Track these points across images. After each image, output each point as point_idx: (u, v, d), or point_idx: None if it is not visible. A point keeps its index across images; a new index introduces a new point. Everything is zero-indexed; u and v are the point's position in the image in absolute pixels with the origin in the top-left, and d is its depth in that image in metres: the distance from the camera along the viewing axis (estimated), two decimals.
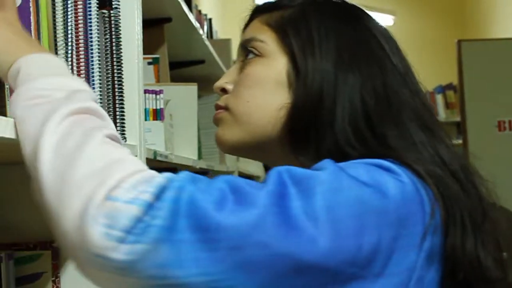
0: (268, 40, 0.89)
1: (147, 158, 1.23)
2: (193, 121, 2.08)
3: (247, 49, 0.91)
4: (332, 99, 0.83)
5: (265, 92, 0.87)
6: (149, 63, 1.86)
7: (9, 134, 0.68)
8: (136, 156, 1.19)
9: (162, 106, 1.68)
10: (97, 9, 1.03)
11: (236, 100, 0.89)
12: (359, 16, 0.92)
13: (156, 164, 1.49)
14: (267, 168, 1.01)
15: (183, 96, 2.02)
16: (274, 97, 0.87)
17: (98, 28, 1.03)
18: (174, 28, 2.08)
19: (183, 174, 0.68)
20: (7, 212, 1.17)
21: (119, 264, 0.62)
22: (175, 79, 2.19)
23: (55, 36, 0.94)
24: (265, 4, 0.95)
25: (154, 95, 1.66)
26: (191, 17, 2.13)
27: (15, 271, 1.09)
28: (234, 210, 0.64)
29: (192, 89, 2.07)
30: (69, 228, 0.64)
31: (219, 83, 0.93)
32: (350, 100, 0.83)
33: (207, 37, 3.06)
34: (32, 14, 0.86)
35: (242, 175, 3.93)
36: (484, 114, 3.94)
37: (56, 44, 0.95)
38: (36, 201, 0.70)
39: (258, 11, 0.95)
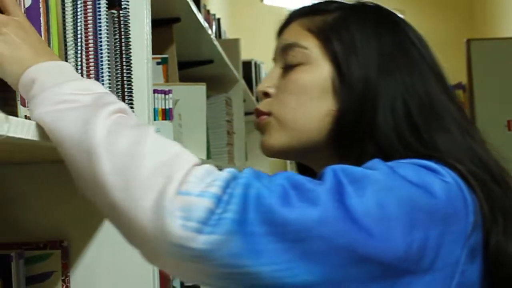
0: (311, 47, 0.91)
1: None
2: (202, 121, 2.08)
3: (289, 54, 0.92)
4: (375, 105, 0.86)
5: (311, 99, 0.89)
6: (158, 63, 1.87)
7: (20, 134, 0.68)
8: None
9: (171, 106, 1.68)
10: (106, 9, 1.04)
11: (281, 107, 0.91)
12: (397, 22, 0.93)
13: None
14: (300, 168, 1.03)
15: (192, 96, 2.02)
16: (319, 104, 0.89)
17: (107, 28, 1.03)
18: (183, 28, 2.09)
19: (248, 170, 0.72)
20: (17, 211, 1.18)
21: (198, 253, 0.67)
22: (183, 79, 2.19)
23: (64, 36, 0.95)
24: (304, 8, 0.96)
25: (163, 95, 1.67)
26: (200, 17, 2.13)
27: (25, 270, 1.09)
28: (299, 206, 0.69)
29: (200, 89, 2.07)
30: (144, 222, 0.68)
31: (262, 88, 0.94)
32: (392, 106, 0.86)
33: (216, 37, 3.06)
34: (42, 14, 0.86)
35: None
36: (493, 113, 3.92)
37: (65, 44, 0.96)
38: (87, 195, 0.74)
39: (296, 15, 0.96)
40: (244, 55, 3.66)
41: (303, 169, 1.01)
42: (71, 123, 0.72)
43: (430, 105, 0.87)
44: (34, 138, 0.72)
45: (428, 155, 0.81)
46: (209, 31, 2.34)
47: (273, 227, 0.68)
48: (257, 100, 4.39)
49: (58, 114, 0.73)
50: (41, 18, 0.86)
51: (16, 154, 0.97)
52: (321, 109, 0.88)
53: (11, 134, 0.65)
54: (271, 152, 0.94)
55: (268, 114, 0.93)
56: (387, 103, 0.85)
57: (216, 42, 2.51)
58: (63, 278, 1.14)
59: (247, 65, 4.16)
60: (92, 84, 0.79)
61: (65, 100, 0.74)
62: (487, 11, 5.91)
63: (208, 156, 2.27)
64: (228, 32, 4.38)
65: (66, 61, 0.97)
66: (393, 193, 0.73)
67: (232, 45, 3.35)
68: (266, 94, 0.94)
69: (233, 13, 5.72)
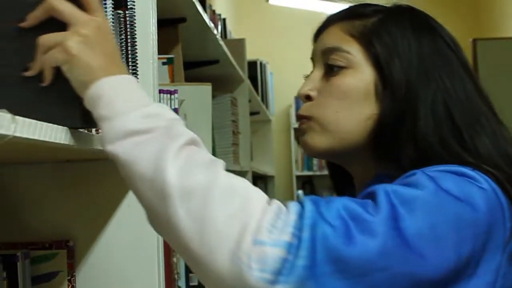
0: (353, 51, 0.92)
1: None
2: (207, 121, 2.08)
3: (330, 58, 0.93)
4: (417, 108, 0.87)
5: (354, 103, 0.90)
6: (164, 63, 1.87)
7: (26, 134, 0.68)
8: None
9: (176, 106, 1.68)
10: (113, 9, 1.04)
11: (324, 110, 0.92)
12: (433, 26, 0.95)
13: None
14: (331, 167, 1.05)
15: (197, 96, 2.02)
16: (362, 108, 0.90)
17: (113, 28, 1.03)
18: (188, 28, 2.09)
19: (309, 206, 0.74)
20: (23, 211, 1.18)
21: None
22: (189, 79, 2.19)
23: None
24: (342, 12, 0.97)
25: (168, 95, 1.66)
26: (205, 17, 2.13)
27: (31, 270, 1.09)
28: (360, 241, 0.71)
29: (206, 89, 2.07)
30: (221, 271, 0.70)
31: (304, 91, 0.95)
32: (433, 109, 0.87)
33: (221, 37, 3.06)
34: None
35: (256, 174, 3.94)
36: (499, 114, 3.90)
37: None
38: (158, 232, 0.77)
39: (334, 19, 0.97)
40: (250, 55, 3.66)
41: (333, 168, 1.04)
42: (143, 159, 0.73)
43: (470, 109, 0.89)
44: (41, 138, 0.72)
45: (466, 161, 0.83)
46: (215, 31, 2.34)
47: (339, 265, 0.70)
48: (262, 100, 4.39)
49: (129, 148, 0.74)
50: None
51: (22, 154, 0.97)
52: (363, 113, 0.90)
53: (17, 134, 0.65)
54: (313, 152, 0.95)
55: (309, 118, 0.94)
56: (429, 106, 0.87)
57: (221, 42, 2.51)
58: (68, 278, 1.14)
59: (252, 65, 4.16)
60: (161, 108, 0.79)
61: (135, 131, 0.74)
62: (493, 10, 5.89)
63: (214, 156, 2.27)
64: (234, 32, 4.38)
65: None
66: (441, 213, 0.75)
67: (238, 45, 3.35)
68: (308, 97, 0.95)
69: (238, 13, 5.72)
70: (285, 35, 5.85)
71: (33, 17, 0.77)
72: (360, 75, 0.91)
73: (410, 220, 0.73)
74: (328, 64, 0.94)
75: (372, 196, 0.77)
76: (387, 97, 0.89)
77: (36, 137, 0.70)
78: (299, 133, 0.97)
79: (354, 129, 0.91)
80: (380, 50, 0.90)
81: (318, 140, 0.93)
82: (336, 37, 0.94)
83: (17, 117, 0.65)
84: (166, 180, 0.71)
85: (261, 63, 4.48)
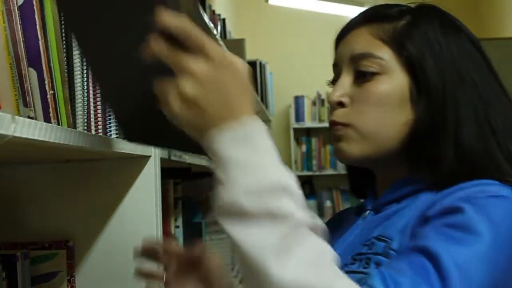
0: (385, 57, 0.90)
1: (161, 158, 1.24)
2: None
3: (361, 64, 0.91)
4: (457, 112, 0.86)
5: (392, 110, 0.89)
6: None
7: (26, 134, 0.68)
8: (151, 156, 1.20)
9: None
10: None
11: (362, 118, 0.91)
12: (458, 25, 0.94)
13: (171, 164, 1.49)
14: (352, 171, 1.04)
15: None
16: (399, 114, 0.89)
17: None
18: None
19: None
20: (23, 211, 1.18)
21: None
22: None
23: (67, 35, 0.94)
24: (367, 14, 0.95)
25: None
26: (205, 17, 2.13)
27: (31, 270, 1.10)
28: None
29: None
30: None
31: (337, 97, 0.93)
32: (474, 113, 0.86)
33: (221, 37, 3.06)
34: (36, 12, 0.84)
35: None
36: None
37: (68, 45, 0.95)
38: None
39: (359, 22, 0.94)
40: (249, 55, 3.67)
41: (352, 170, 1.03)
42: (248, 245, 0.66)
43: (502, 111, 0.88)
44: (41, 138, 0.72)
45: (505, 179, 0.82)
46: (215, 31, 2.34)
47: None
48: (262, 100, 4.37)
49: (236, 227, 0.67)
50: (36, 17, 0.84)
51: (22, 154, 0.97)
52: (400, 118, 0.89)
53: (17, 134, 0.65)
54: (348, 160, 0.94)
55: (346, 125, 0.92)
56: (468, 109, 0.86)
57: (221, 42, 2.51)
58: (68, 278, 1.14)
59: (252, 65, 4.16)
60: (279, 182, 0.71)
61: (245, 212, 0.67)
62: (493, 10, 5.89)
63: None
64: (233, 32, 4.38)
65: (70, 61, 0.96)
66: (498, 266, 0.74)
67: (237, 45, 3.35)
68: (341, 104, 0.93)
69: (238, 13, 5.72)
70: (284, 35, 5.85)
71: (146, 52, 0.69)
72: (394, 80, 0.90)
73: (478, 276, 0.72)
74: (359, 70, 0.92)
75: (430, 256, 0.73)
76: (423, 101, 0.88)
77: (36, 137, 0.71)
78: (334, 140, 0.94)
79: (392, 136, 0.89)
80: (414, 53, 0.89)
81: (356, 148, 0.91)
82: (365, 42, 0.92)
83: (17, 117, 0.65)
84: (266, 278, 0.65)
85: (260, 63, 4.49)
